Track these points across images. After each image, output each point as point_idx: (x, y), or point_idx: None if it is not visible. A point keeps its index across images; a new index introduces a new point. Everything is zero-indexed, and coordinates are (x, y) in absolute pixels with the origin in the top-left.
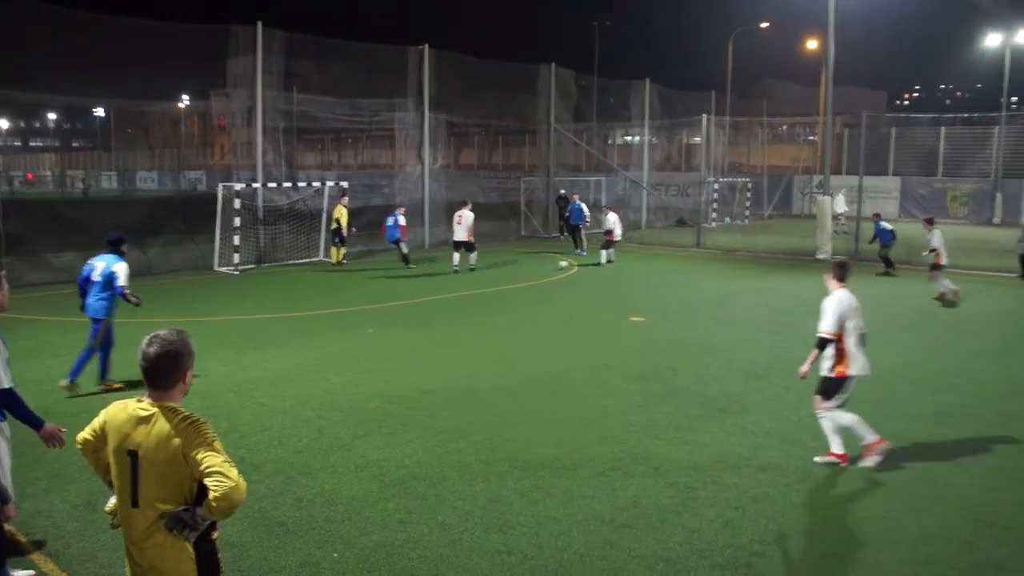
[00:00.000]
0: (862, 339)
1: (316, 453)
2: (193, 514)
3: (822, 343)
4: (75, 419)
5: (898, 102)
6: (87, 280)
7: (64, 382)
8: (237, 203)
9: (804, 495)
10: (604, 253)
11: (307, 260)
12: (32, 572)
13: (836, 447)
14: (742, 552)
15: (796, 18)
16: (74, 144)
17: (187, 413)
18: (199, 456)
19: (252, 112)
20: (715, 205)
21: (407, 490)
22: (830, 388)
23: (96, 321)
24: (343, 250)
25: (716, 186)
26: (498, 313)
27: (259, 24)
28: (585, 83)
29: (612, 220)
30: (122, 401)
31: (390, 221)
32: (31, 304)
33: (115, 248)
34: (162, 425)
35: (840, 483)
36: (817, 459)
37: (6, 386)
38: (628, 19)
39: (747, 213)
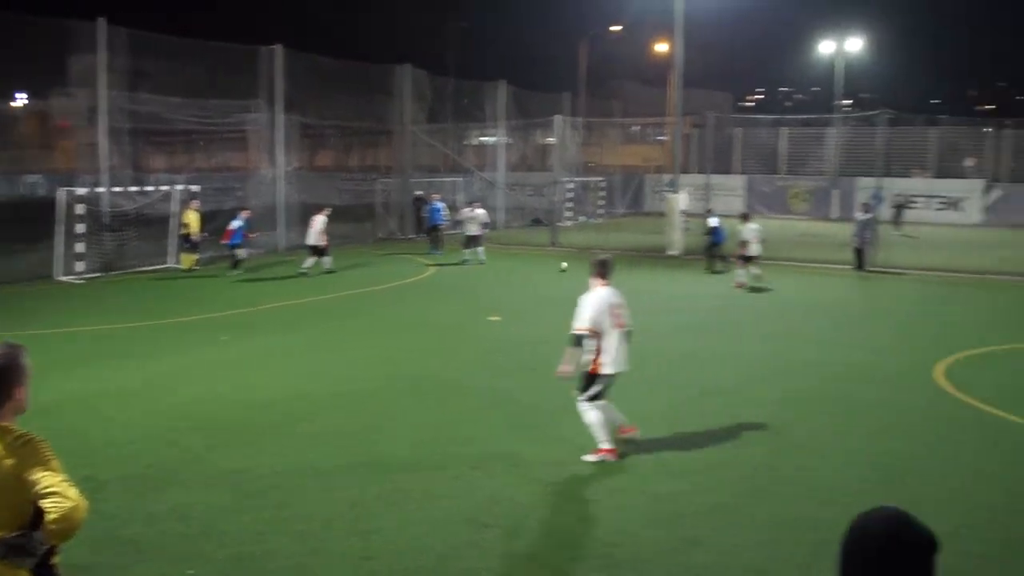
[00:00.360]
0: (625, 336)
1: (168, 467)
2: (30, 539)
3: (575, 339)
4: None
5: (742, 103)
6: None
7: None
8: (80, 208)
9: (659, 484)
10: (480, 251)
11: (157, 267)
12: None
13: (604, 444)
14: (600, 543)
15: (646, 22)
16: None
17: (21, 431)
18: (35, 476)
19: (95, 112)
20: (570, 204)
21: (265, 500)
22: (585, 383)
23: None
24: (194, 256)
25: (571, 186)
26: (354, 316)
27: (101, 20)
28: (440, 84)
29: (484, 215)
30: None
31: (245, 223)
32: None
33: None
34: None
35: (693, 471)
36: (586, 458)
37: None
38: (482, 21)
39: (601, 212)
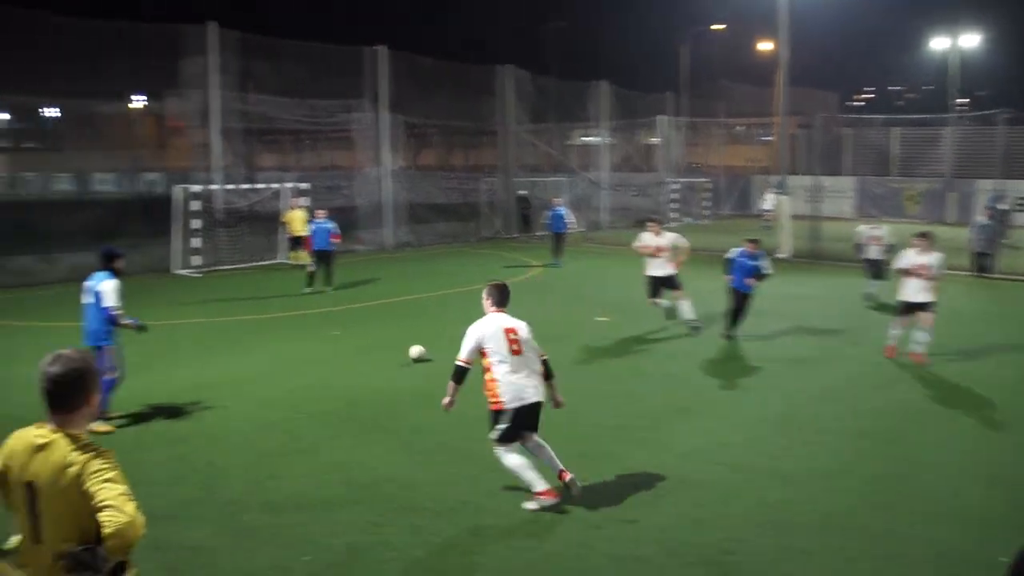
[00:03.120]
0: (523, 366)
1: (284, 456)
2: (94, 554)
3: (457, 372)
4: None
5: (851, 103)
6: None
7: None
8: (195, 205)
9: (772, 491)
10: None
11: (268, 262)
12: None
13: (537, 485)
14: (713, 550)
15: (751, 20)
16: (24, 145)
17: (87, 440)
18: (94, 488)
19: (207, 113)
20: (675, 205)
21: (377, 492)
22: (492, 421)
23: (96, 349)
24: (301, 252)
25: (675, 186)
26: (461, 313)
27: (212, 24)
28: (543, 84)
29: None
30: (25, 428)
31: (324, 227)
32: None
33: (106, 264)
34: (59, 453)
35: (806, 479)
36: (527, 505)
37: None
38: (585, 21)
39: (707, 213)
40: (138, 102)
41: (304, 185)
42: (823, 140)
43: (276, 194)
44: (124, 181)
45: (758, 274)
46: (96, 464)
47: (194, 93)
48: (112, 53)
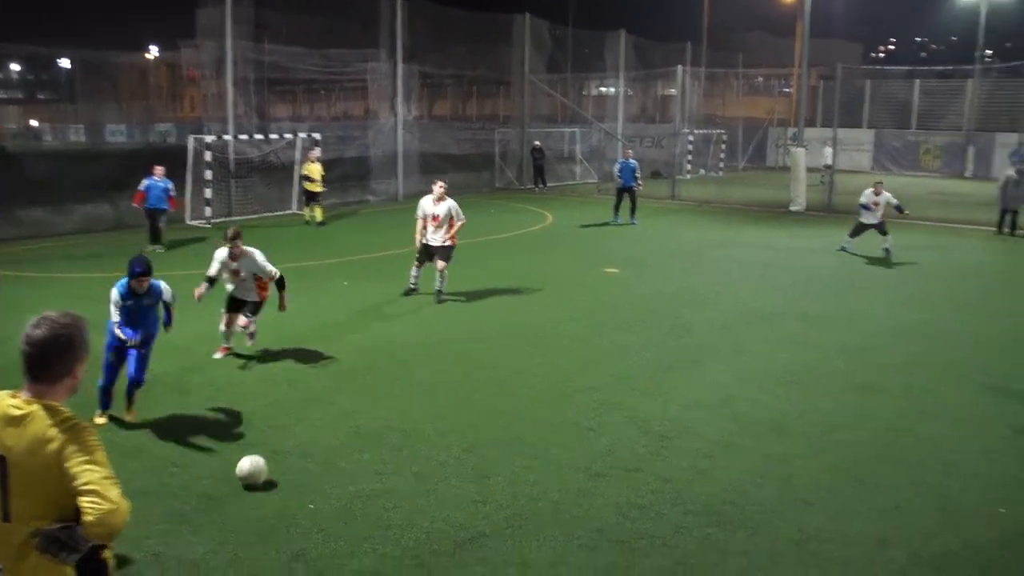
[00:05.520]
0: (242, 282)
1: (290, 406)
2: (72, 533)
3: (207, 279)
4: None
5: (873, 54)
6: None
7: None
8: (208, 155)
9: (773, 445)
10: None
11: (280, 213)
12: None
13: (224, 343)
14: (714, 500)
15: None
16: (39, 96)
17: (69, 414)
18: (75, 469)
19: (222, 63)
20: (690, 157)
21: (382, 441)
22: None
23: None
24: (321, 206)
25: (691, 138)
26: (470, 265)
27: None
28: (560, 33)
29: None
30: None
31: (158, 185)
32: None
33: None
34: (37, 426)
35: (810, 433)
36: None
37: None
38: None
39: (721, 165)
40: (153, 53)
41: (316, 135)
42: (843, 92)
43: (290, 144)
44: (137, 132)
45: None
46: (79, 441)
47: (209, 44)
48: (128, 3)
